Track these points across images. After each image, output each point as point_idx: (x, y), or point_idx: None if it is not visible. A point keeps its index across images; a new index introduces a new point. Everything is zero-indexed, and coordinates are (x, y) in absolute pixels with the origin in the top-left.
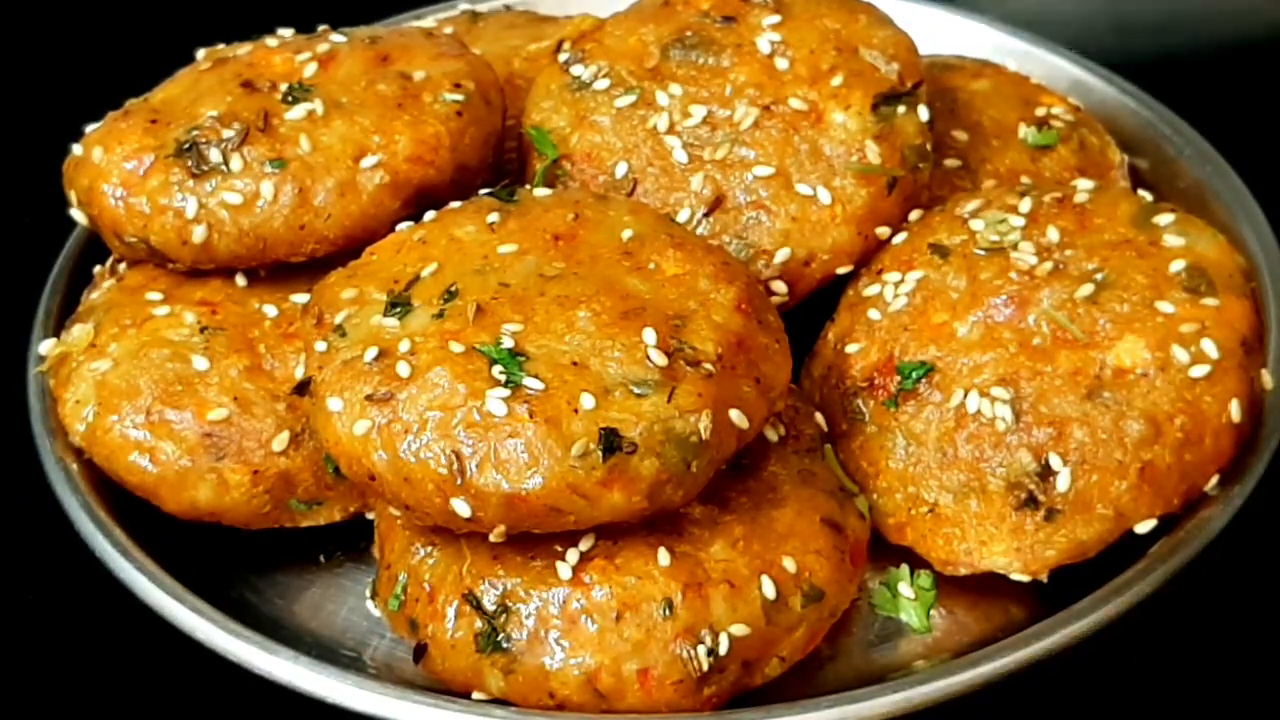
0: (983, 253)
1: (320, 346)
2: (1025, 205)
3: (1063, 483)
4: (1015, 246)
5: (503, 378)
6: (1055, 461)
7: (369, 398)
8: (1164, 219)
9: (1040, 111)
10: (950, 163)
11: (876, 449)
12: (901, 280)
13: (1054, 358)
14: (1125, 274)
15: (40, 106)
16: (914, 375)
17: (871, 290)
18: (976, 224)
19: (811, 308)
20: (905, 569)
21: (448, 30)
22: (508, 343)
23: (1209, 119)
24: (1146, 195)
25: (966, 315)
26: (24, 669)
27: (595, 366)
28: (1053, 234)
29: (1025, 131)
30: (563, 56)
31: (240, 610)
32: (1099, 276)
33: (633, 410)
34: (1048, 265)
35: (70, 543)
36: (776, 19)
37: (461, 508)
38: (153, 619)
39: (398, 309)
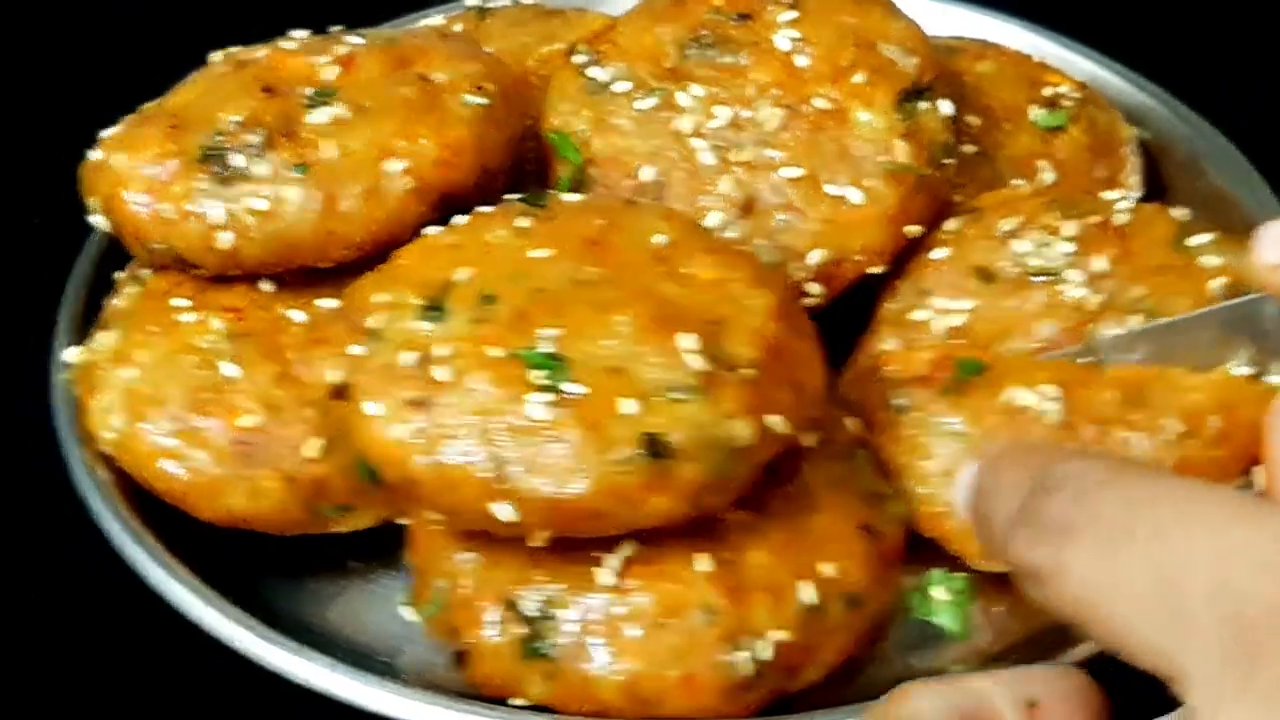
0: (1037, 279)
1: (356, 350)
2: (1069, 229)
3: None
4: (1062, 275)
5: (542, 383)
6: None
7: (408, 402)
8: (1199, 240)
9: (1047, 91)
10: (966, 149)
11: (921, 437)
12: (950, 310)
13: (1105, 371)
14: (1169, 297)
15: (48, 110)
16: (971, 369)
17: (920, 315)
18: (1021, 246)
19: (840, 312)
20: (940, 572)
21: (456, 28)
22: (546, 348)
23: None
24: (1179, 213)
25: (1015, 345)
26: (58, 675)
27: (634, 372)
28: (1098, 263)
29: (1036, 114)
30: (578, 58)
31: (271, 616)
32: (1145, 305)
33: (674, 415)
34: (1098, 299)
35: (100, 549)
36: (793, 15)
37: (503, 513)
38: (185, 625)
39: (433, 313)
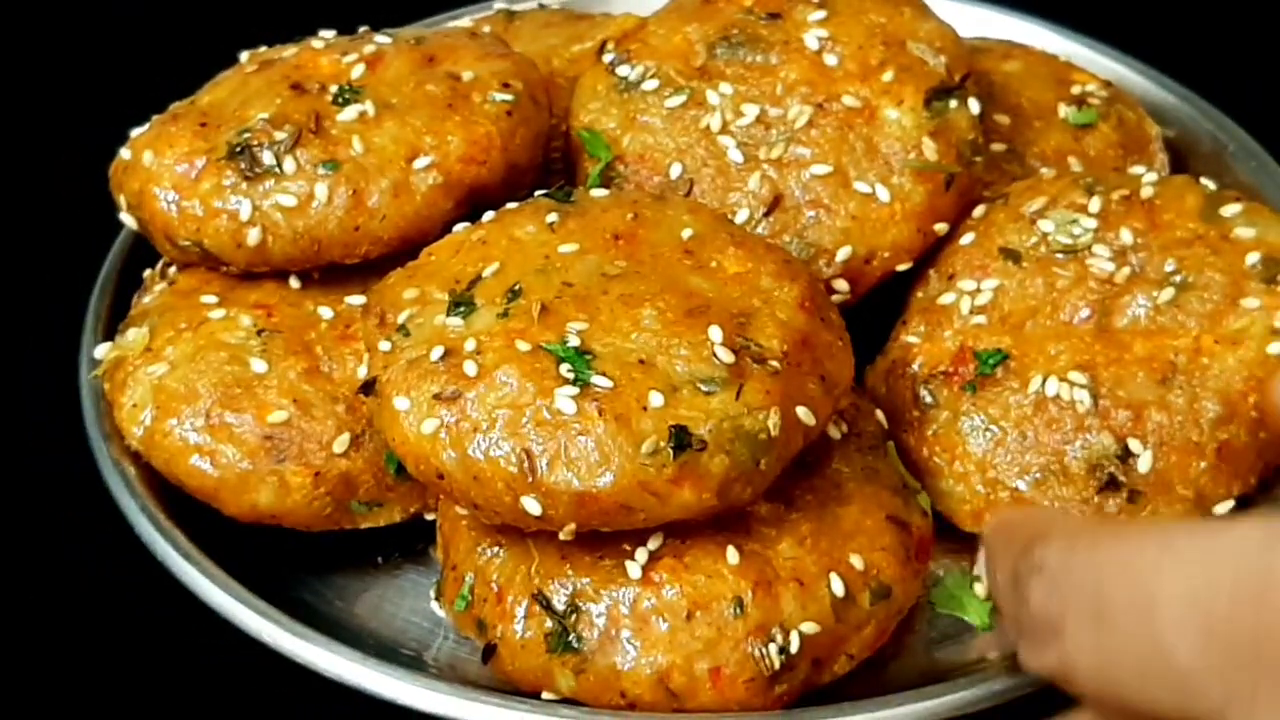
0: (1060, 256)
1: (384, 346)
2: (1095, 205)
3: (1144, 464)
4: (1089, 249)
5: (571, 376)
6: (1135, 445)
7: (437, 397)
8: (1231, 210)
9: (1076, 90)
10: (996, 147)
11: (953, 435)
12: (977, 290)
13: (1130, 346)
14: (1203, 273)
15: (79, 109)
16: (991, 361)
17: (947, 299)
18: (1045, 225)
19: (870, 306)
20: (966, 566)
21: (485, 30)
22: (574, 341)
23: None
24: (1209, 184)
25: (1044, 321)
26: (82, 671)
27: (662, 364)
28: (1126, 236)
29: (1065, 111)
30: (607, 57)
31: (300, 612)
32: (1177, 279)
33: (701, 408)
34: (1125, 271)
35: (127, 545)
36: (822, 14)
37: (532, 506)
38: (214, 620)
39: (461, 308)
